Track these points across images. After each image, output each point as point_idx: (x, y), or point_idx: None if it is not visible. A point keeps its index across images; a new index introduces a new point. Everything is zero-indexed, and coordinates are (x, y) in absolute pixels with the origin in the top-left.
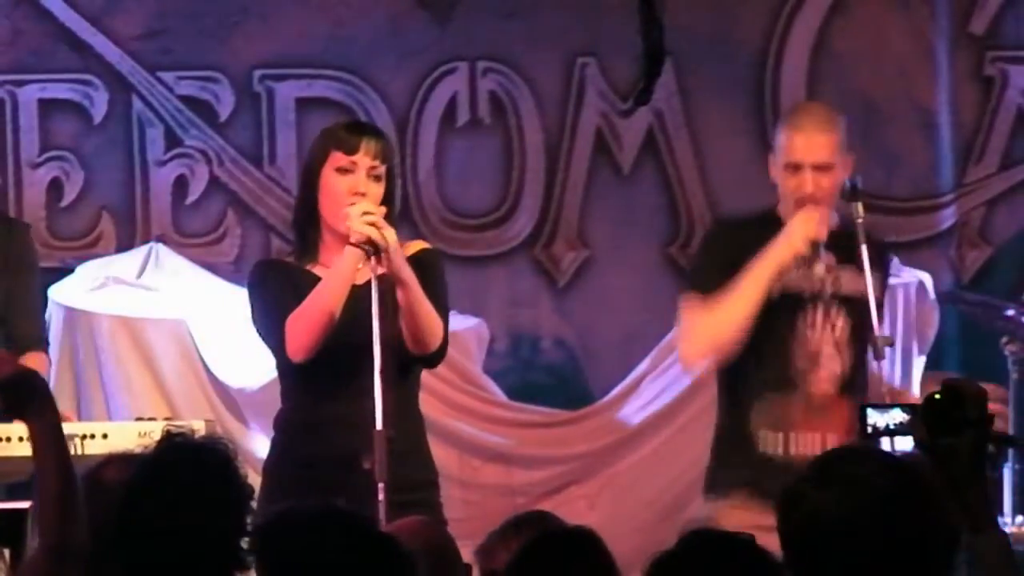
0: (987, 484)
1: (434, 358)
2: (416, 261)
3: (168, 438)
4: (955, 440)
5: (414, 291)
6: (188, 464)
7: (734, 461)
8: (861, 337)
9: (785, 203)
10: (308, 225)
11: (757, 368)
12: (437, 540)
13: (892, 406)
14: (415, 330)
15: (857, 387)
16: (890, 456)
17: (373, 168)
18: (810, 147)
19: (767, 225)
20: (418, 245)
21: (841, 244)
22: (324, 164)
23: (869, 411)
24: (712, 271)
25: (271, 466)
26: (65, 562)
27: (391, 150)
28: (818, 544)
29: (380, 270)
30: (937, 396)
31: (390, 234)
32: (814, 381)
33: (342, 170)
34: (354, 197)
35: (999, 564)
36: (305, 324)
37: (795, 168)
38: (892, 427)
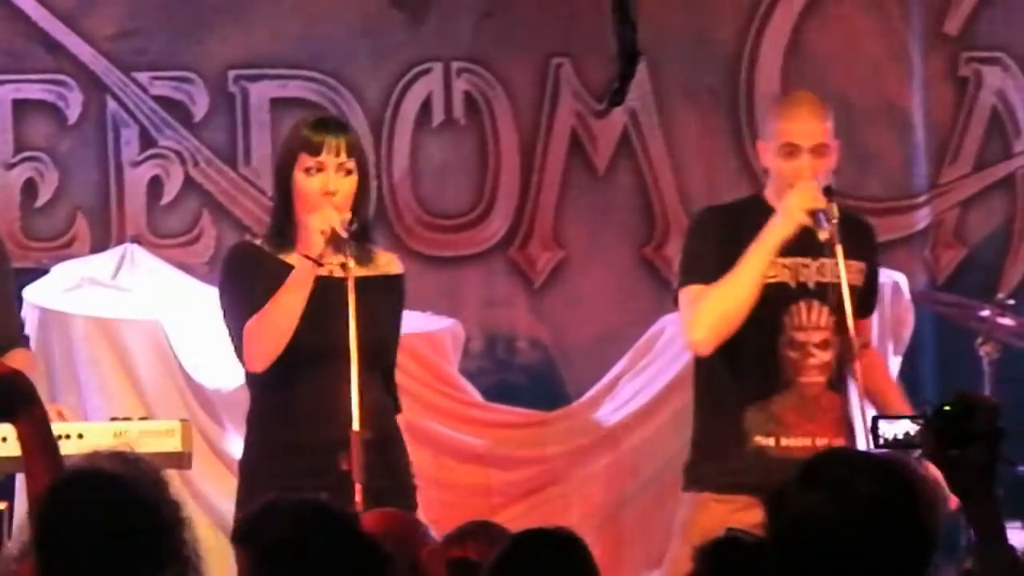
0: (996, 497)
1: None
2: (388, 282)
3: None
4: (964, 452)
5: None
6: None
7: (721, 454)
8: (845, 328)
9: (780, 186)
10: (286, 222)
11: (745, 368)
12: (401, 531)
13: (901, 417)
14: None
15: (844, 380)
16: (875, 458)
17: (341, 164)
18: (808, 131)
19: (754, 210)
20: (391, 260)
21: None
22: (293, 166)
23: (880, 423)
24: (707, 259)
25: (249, 461)
26: None
27: (358, 142)
28: (804, 546)
29: (355, 272)
30: (948, 408)
31: None
32: (804, 371)
33: (310, 170)
34: (325, 198)
35: None
36: (261, 339)
37: (791, 151)
38: (902, 438)
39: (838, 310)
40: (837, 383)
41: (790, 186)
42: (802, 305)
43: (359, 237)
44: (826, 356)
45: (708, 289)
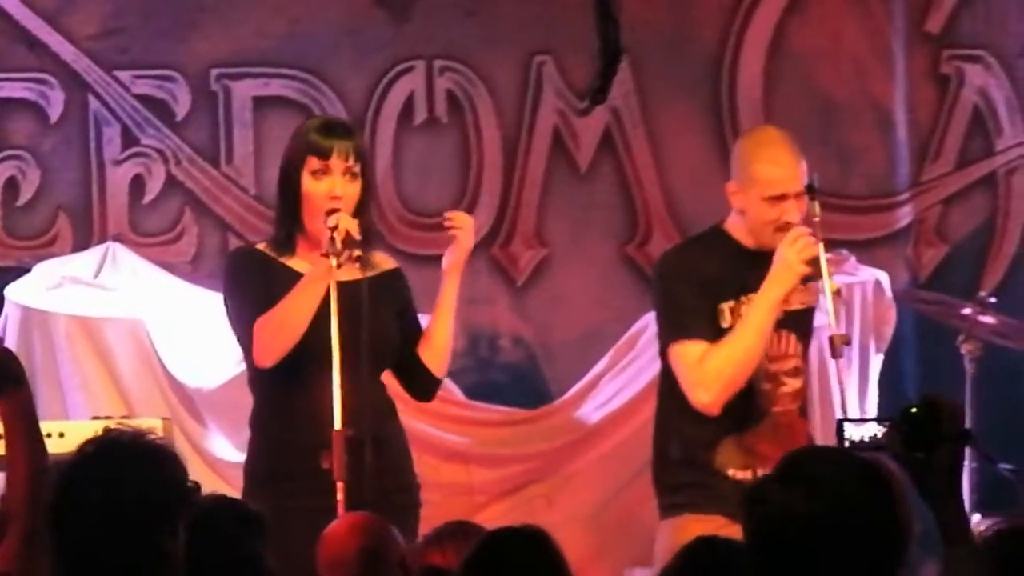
0: (961, 498)
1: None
2: (389, 278)
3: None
4: (930, 455)
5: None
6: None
7: (697, 482)
8: (807, 350)
9: (759, 229)
10: (292, 226)
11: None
12: (375, 536)
13: (867, 420)
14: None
15: (810, 403)
16: (853, 456)
17: (348, 168)
18: (792, 178)
19: (718, 244)
20: (384, 258)
21: None
22: (302, 170)
23: (846, 425)
24: (693, 309)
25: (254, 463)
26: (35, 546)
27: (364, 146)
28: (782, 543)
29: (355, 275)
30: (913, 410)
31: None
32: (778, 400)
33: (317, 173)
34: (331, 202)
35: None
36: (273, 334)
37: (779, 199)
38: (868, 440)
39: (803, 330)
40: (806, 408)
41: (777, 230)
42: (773, 337)
43: (363, 242)
44: (797, 383)
45: (711, 349)
